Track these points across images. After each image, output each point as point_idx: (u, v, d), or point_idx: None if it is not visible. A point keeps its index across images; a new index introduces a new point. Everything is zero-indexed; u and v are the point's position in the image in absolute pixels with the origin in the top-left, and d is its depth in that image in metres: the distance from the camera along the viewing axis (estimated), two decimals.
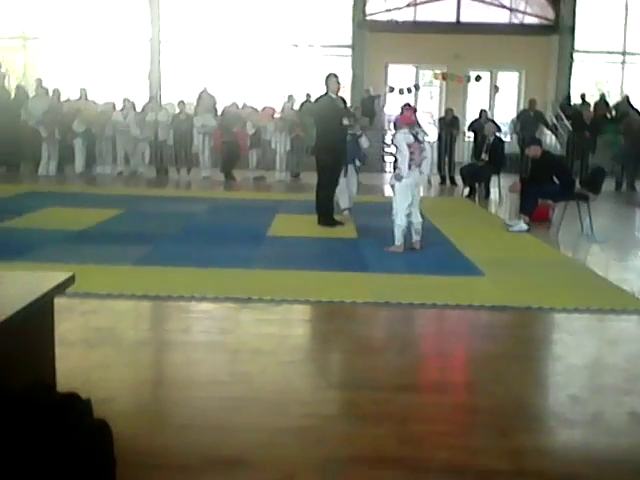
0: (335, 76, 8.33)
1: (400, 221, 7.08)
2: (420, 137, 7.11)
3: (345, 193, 9.00)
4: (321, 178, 8.45)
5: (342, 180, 8.82)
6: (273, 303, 5.20)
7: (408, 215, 7.11)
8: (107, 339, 4.44)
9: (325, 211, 8.42)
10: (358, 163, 9.27)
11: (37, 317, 2.54)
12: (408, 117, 7.36)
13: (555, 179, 8.70)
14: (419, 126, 7.50)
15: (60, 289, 2.77)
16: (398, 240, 7.14)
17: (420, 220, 7.24)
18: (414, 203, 7.16)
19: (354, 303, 5.25)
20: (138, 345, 4.38)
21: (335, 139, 8.20)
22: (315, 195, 8.57)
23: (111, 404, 3.27)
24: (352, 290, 5.55)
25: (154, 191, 12.10)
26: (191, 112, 15.04)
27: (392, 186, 7.38)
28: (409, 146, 6.99)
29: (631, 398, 3.70)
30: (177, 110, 14.69)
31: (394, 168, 7.92)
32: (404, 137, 7.03)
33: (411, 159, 6.98)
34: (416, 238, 7.23)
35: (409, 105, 13.46)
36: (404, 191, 7.06)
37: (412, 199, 7.12)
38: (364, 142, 9.15)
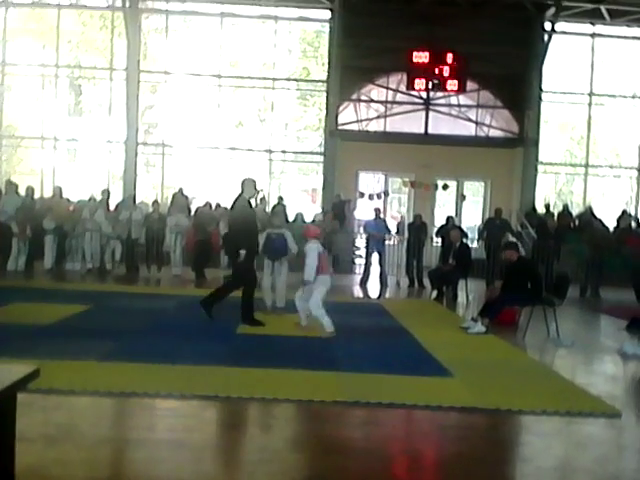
0: (253, 181, 8.52)
1: (323, 311, 7.94)
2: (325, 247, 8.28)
3: (269, 291, 9.24)
4: (235, 276, 8.52)
5: (268, 278, 9.16)
6: (240, 401, 5.12)
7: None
8: (68, 436, 4.31)
9: (247, 309, 8.35)
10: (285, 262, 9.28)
11: None
12: (314, 231, 8.39)
13: (528, 284, 8.85)
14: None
15: (23, 383, 2.70)
16: (330, 324, 7.88)
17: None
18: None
19: (323, 402, 5.19)
20: (100, 443, 4.26)
21: (251, 239, 8.37)
22: (242, 299, 8.43)
23: None
24: (321, 389, 5.50)
25: (123, 287, 12.02)
26: (165, 212, 15.21)
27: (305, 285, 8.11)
28: (319, 255, 7.95)
29: None
30: (151, 209, 14.86)
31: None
32: (316, 247, 8.02)
33: (320, 266, 7.94)
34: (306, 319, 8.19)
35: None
36: (323, 289, 8.02)
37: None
38: (291, 244, 9.15)
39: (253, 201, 8.79)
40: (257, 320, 8.36)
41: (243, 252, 8.23)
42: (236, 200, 8.49)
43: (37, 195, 15.56)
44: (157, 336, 7.50)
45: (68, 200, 15.21)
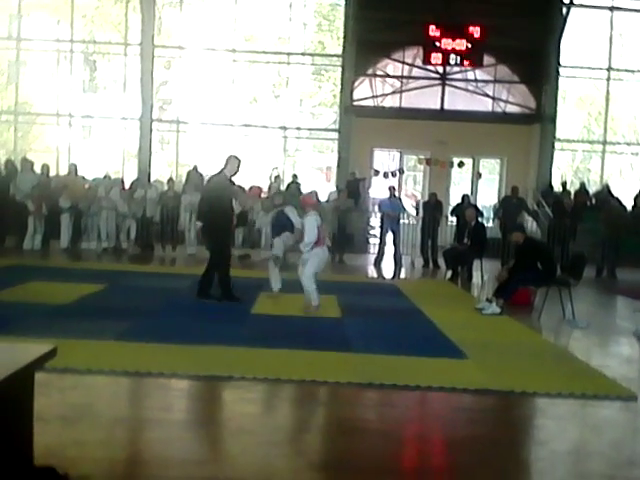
0: (237, 158, 8.44)
1: (314, 284, 7.81)
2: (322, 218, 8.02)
3: (277, 273, 8.79)
4: (212, 257, 8.48)
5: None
6: (255, 382, 5.15)
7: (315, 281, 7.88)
8: (85, 416, 4.35)
9: (224, 286, 8.38)
10: (288, 239, 8.69)
11: (17, 390, 2.49)
12: (311, 201, 8.10)
13: (538, 265, 8.81)
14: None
15: (41, 362, 2.72)
16: (317, 298, 7.83)
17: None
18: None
19: (337, 383, 5.20)
20: (116, 422, 4.30)
21: (225, 218, 8.33)
22: (204, 270, 8.50)
23: None
24: (335, 370, 5.51)
25: (138, 267, 12.09)
26: (179, 190, 15.22)
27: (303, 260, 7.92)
28: (318, 227, 7.74)
29: None
30: (166, 187, 14.86)
31: (297, 242, 8.10)
32: (315, 219, 7.79)
33: (318, 238, 7.72)
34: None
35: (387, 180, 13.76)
36: (317, 262, 7.83)
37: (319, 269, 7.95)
38: (293, 218, 8.70)
39: (235, 179, 8.74)
40: (235, 296, 8.39)
41: (199, 224, 8.43)
42: (215, 175, 8.51)
43: (52, 173, 15.60)
44: (172, 316, 7.54)
45: (83, 178, 15.25)
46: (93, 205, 14.03)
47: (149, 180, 16.47)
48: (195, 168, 16.52)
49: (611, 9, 18.86)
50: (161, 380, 5.14)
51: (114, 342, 6.14)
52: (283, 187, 16.45)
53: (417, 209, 15.81)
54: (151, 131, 18.70)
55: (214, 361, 5.63)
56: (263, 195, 15.02)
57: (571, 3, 17.85)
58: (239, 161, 8.43)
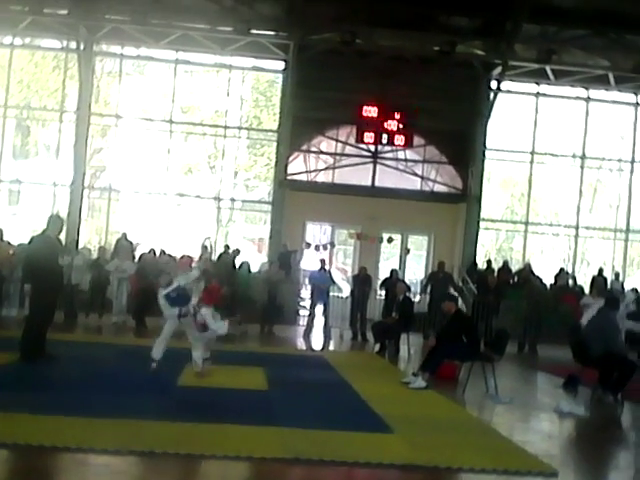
0: (59, 218, 9.04)
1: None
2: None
3: (163, 343, 8.34)
4: (31, 311, 8.75)
5: (169, 329, 8.37)
6: (177, 457, 5.01)
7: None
8: None
9: (25, 342, 8.38)
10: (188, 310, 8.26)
11: None
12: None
13: (463, 337, 9.01)
14: None
15: None
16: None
17: None
18: None
19: (263, 459, 5.12)
20: None
21: (46, 274, 8.37)
22: (23, 330, 8.56)
23: None
24: (262, 445, 5.43)
25: (61, 335, 11.68)
26: (109, 258, 15.00)
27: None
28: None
29: None
30: (95, 255, 14.64)
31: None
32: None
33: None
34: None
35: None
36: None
37: None
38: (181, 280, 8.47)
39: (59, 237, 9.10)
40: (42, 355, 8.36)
41: (28, 287, 8.54)
42: (38, 236, 8.70)
43: None
44: (95, 387, 7.31)
45: (9, 243, 14.83)
46: (15, 271, 13.61)
47: (77, 247, 16.16)
48: (124, 236, 16.34)
49: (537, 95, 19.94)
50: (79, 455, 4.95)
51: (29, 415, 5.87)
52: (215, 257, 16.38)
53: (347, 282, 16.02)
54: (82, 198, 18.48)
55: (136, 435, 5.45)
56: (194, 265, 14.91)
57: (498, 89, 18.82)
58: (61, 220, 8.97)
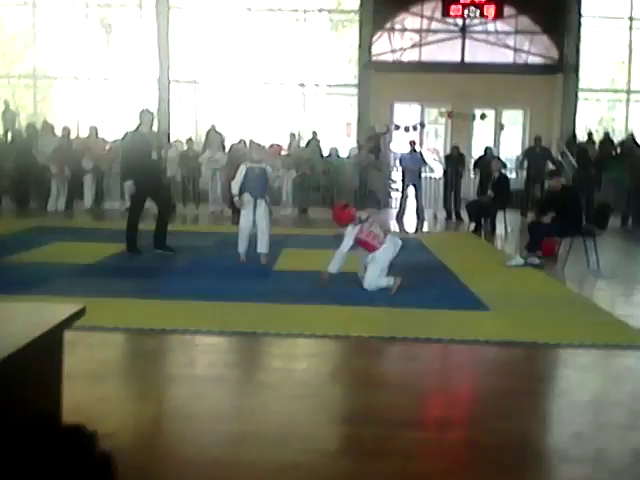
0: (149, 112, 8.85)
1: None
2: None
3: (245, 236, 8.37)
4: (131, 207, 8.95)
5: (247, 219, 8.31)
6: (278, 337, 5.21)
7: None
8: (112, 373, 4.45)
9: (127, 236, 8.71)
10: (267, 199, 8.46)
11: (47, 349, 2.52)
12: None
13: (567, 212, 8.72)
14: None
15: (70, 321, 2.73)
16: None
17: None
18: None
19: (359, 337, 5.24)
20: (142, 379, 4.38)
21: (142, 170, 8.45)
22: (126, 224, 8.87)
23: (115, 438, 3.25)
24: (358, 324, 5.54)
25: None
26: (199, 149, 15.21)
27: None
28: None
29: (635, 435, 3.67)
30: (185, 147, 14.89)
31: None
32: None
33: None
34: None
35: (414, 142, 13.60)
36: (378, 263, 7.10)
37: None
38: (272, 180, 8.66)
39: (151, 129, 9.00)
40: (137, 248, 8.72)
41: (130, 184, 8.59)
42: (132, 131, 8.74)
43: (73, 135, 15.66)
44: (196, 274, 7.61)
45: (104, 140, 15.28)
46: (114, 166, 14.09)
47: (169, 140, 16.46)
48: (213, 128, 16.46)
49: None
50: (186, 336, 5.21)
51: (139, 300, 6.22)
52: (303, 144, 16.36)
53: (439, 162, 15.71)
54: (169, 91, 18.63)
55: (238, 317, 5.69)
56: (283, 153, 14.98)
57: None
58: (151, 114, 8.87)
